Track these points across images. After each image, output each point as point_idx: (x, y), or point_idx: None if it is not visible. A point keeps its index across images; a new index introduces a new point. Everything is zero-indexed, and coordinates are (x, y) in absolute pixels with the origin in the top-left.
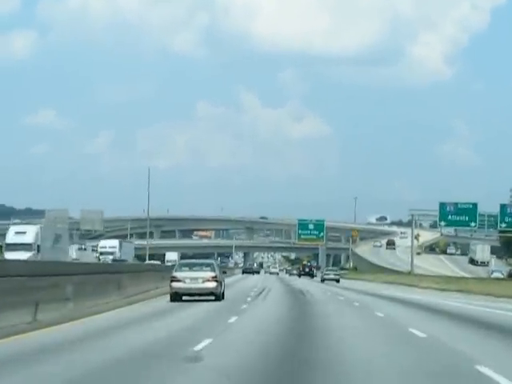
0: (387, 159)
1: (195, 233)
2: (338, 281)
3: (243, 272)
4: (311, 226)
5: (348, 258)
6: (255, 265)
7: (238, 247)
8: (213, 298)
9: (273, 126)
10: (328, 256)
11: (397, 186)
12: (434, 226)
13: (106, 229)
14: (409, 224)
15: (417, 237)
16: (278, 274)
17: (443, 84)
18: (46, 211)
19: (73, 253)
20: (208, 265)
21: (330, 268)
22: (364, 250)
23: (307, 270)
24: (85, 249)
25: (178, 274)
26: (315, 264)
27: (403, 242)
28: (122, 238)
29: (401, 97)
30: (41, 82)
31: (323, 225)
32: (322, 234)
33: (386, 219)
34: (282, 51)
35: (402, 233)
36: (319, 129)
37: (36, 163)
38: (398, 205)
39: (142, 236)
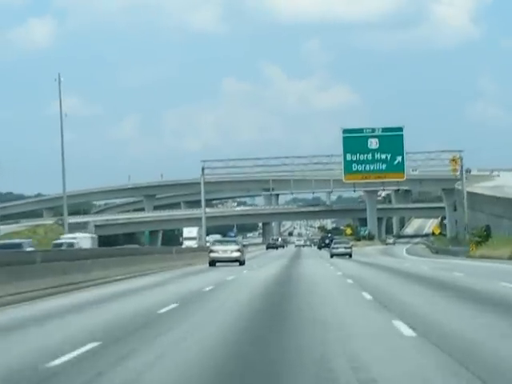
0: (418, 123)
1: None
2: (350, 255)
3: (267, 247)
4: (372, 145)
5: (402, 223)
6: (279, 239)
7: (257, 215)
8: (237, 263)
9: (299, 98)
10: (379, 220)
11: (431, 149)
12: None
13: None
14: None
15: None
16: (303, 246)
17: (471, 43)
18: None
19: None
20: (234, 241)
21: (340, 239)
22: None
23: (327, 241)
24: None
25: (213, 248)
26: (366, 231)
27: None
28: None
29: (428, 59)
30: (63, 69)
31: (402, 137)
32: (398, 158)
33: None
34: (303, 21)
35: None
36: (347, 97)
37: (65, 151)
38: None
39: (133, 209)
